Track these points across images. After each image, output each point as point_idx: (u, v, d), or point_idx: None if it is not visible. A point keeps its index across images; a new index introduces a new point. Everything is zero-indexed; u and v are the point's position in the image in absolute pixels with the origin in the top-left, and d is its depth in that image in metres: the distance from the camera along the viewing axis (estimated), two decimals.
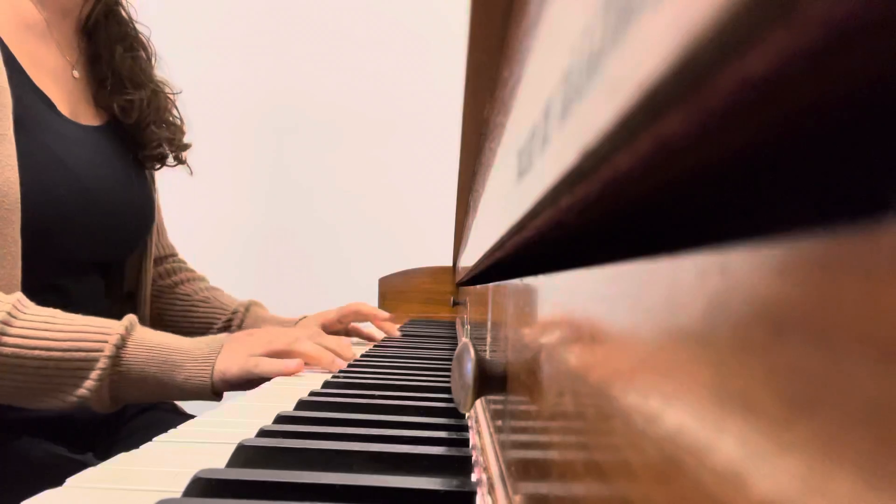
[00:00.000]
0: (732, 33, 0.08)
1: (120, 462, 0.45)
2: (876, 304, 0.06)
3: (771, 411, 0.08)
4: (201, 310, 1.15)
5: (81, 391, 0.77)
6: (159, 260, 1.15)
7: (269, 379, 0.83)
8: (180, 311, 1.15)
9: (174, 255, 1.20)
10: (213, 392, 0.83)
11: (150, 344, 0.81)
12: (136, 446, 0.48)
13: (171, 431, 0.53)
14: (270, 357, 0.84)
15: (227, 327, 1.14)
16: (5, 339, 0.74)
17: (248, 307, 1.15)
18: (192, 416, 0.84)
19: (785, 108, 0.09)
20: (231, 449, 0.42)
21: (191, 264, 1.23)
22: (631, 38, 0.11)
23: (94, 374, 0.77)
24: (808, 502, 0.07)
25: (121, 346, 0.78)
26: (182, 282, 1.17)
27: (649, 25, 0.10)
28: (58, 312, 0.79)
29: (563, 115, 0.17)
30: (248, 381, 0.84)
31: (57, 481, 0.39)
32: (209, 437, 0.52)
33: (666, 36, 0.09)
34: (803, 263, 0.07)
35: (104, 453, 0.83)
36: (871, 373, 0.06)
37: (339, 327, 1.13)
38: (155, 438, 0.50)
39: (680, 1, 0.09)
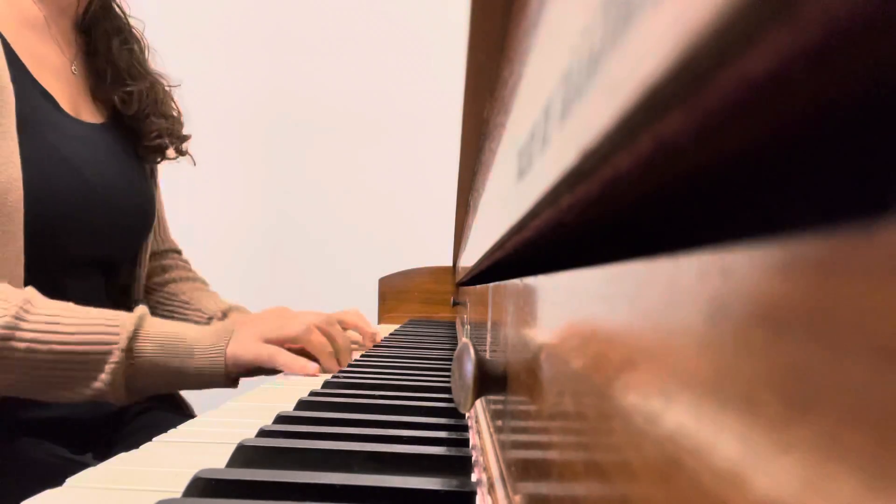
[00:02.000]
0: (732, 33, 0.08)
1: (120, 462, 0.45)
2: (876, 304, 0.06)
3: (771, 411, 0.08)
4: (180, 312, 1.12)
5: (97, 384, 0.78)
6: (157, 255, 1.14)
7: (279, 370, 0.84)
8: (165, 311, 1.12)
9: (175, 251, 1.18)
10: (228, 379, 0.84)
11: (161, 335, 0.81)
12: (136, 446, 0.48)
13: (171, 431, 0.53)
14: (283, 343, 0.84)
15: None
16: (19, 334, 0.74)
17: (226, 313, 1.10)
18: (192, 416, 0.84)
19: (785, 108, 0.09)
20: (231, 449, 0.42)
21: (193, 267, 1.21)
22: (631, 38, 0.11)
23: (109, 367, 0.77)
24: (808, 502, 0.07)
25: (133, 338, 0.79)
26: (171, 280, 1.14)
27: (649, 25, 0.10)
28: (69, 305, 0.79)
29: (563, 115, 0.17)
30: (262, 368, 0.84)
31: (56, 482, 0.39)
32: (209, 437, 0.52)
33: (666, 36, 0.09)
34: (803, 263, 0.07)
35: (104, 453, 0.83)
36: (871, 373, 0.06)
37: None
38: (155, 438, 0.50)
39: (680, 1, 0.09)
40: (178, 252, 1.19)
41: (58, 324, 0.77)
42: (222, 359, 0.82)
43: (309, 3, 2.09)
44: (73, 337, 0.77)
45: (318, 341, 0.86)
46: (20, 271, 0.82)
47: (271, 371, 0.85)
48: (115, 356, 0.78)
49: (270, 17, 2.12)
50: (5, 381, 0.75)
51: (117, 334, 0.78)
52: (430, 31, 1.99)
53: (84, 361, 0.77)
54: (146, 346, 0.80)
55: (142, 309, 0.83)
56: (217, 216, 2.09)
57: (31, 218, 0.82)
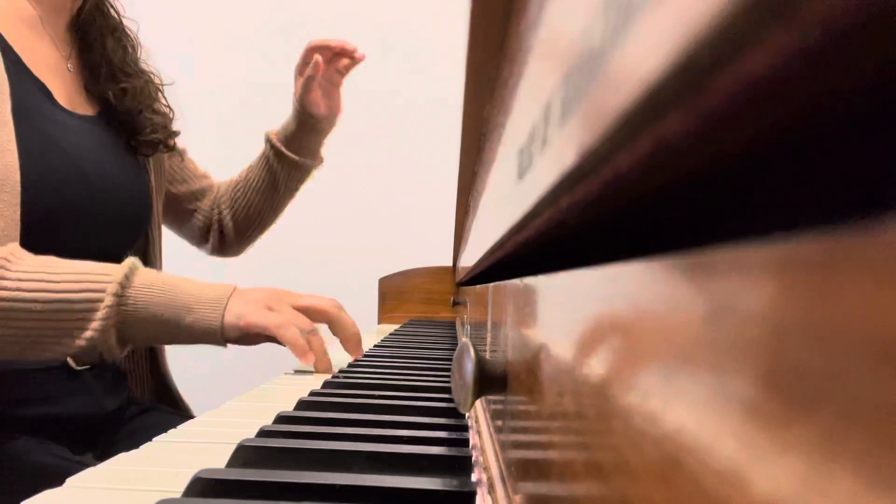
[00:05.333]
0: (732, 33, 0.08)
1: (120, 462, 0.45)
2: (876, 304, 0.06)
3: (771, 411, 0.08)
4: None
5: (88, 334, 0.76)
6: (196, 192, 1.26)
7: (270, 340, 0.81)
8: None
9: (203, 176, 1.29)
10: (223, 337, 0.81)
11: (154, 284, 0.79)
12: (136, 446, 0.48)
13: (171, 431, 0.53)
14: (264, 330, 0.81)
15: None
16: (3, 283, 0.73)
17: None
18: (192, 417, 0.84)
19: (785, 108, 0.09)
20: (231, 449, 0.42)
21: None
22: (631, 37, 0.11)
23: (99, 315, 0.76)
24: (808, 502, 0.07)
25: (125, 285, 0.77)
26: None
27: (649, 25, 0.10)
28: (54, 259, 0.77)
29: (563, 115, 0.17)
30: (258, 336, 0.82)
31: (56, 482, 0.39)
32: (209, 437, 0.52)
33: (666, 36, 0.09)
34: (803, 263, 0.07)
35: (104, 453, 0.83)
36: (871, 373, 0.06)
37: None
38: (155, 438, 0.50)
39: (680, 1, 0.09)
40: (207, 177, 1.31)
41: (44, 273, 0.74)
42: (220, 315, 0.80)
43: (309, 2, 2.09)
44: (61, 286, 0.74)
45: (291, 336, 0.81)
46: None
47: (267, 339, 0.83)
48: (106, 303, 0.76)
49: (271, 16, 2.12)
50: None
51: (107, 282, 0.76)
52: (430, 31, 1.99)
53: (73, 311, 0.75)
54: (138, 296, 0.78)
55: (132, 260, 0.80)
56: None
57: (29, 206, 0.81)
